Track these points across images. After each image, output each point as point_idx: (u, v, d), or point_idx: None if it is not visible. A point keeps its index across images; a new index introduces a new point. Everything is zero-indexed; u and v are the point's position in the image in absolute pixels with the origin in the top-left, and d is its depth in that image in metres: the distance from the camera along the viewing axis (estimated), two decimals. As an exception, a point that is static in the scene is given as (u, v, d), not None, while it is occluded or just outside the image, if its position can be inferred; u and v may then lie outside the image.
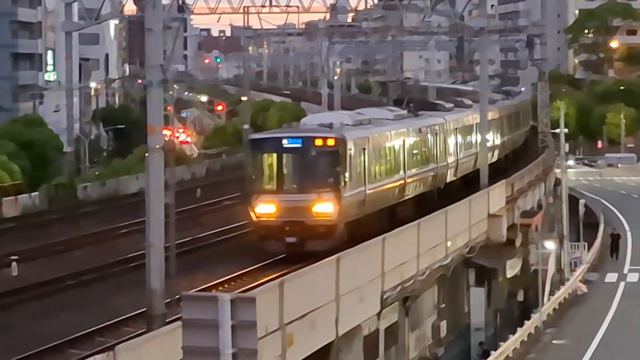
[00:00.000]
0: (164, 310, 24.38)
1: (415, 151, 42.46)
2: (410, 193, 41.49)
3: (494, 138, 62.77)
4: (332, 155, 31.57)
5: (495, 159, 61.45)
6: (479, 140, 56.67)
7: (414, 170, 42.12)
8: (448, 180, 49.79)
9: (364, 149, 34.60)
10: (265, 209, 30.97)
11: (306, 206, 31.07)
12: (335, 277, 31.15)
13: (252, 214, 31.53)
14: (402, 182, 40.03)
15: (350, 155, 32.02)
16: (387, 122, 41.70)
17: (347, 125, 36.11)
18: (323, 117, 40.33)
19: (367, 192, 34.76)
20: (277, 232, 30.88)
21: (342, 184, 31.36)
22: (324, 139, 31.28)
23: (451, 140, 50.21)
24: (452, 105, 60.59)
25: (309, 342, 28.84)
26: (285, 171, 32.05)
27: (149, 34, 25.07)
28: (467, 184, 52.97)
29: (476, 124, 57.01)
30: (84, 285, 34.27)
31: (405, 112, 48.85)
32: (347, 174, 31.68)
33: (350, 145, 32.03)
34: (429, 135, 45.72)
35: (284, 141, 31.58)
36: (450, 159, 49.87)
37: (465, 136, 54.35)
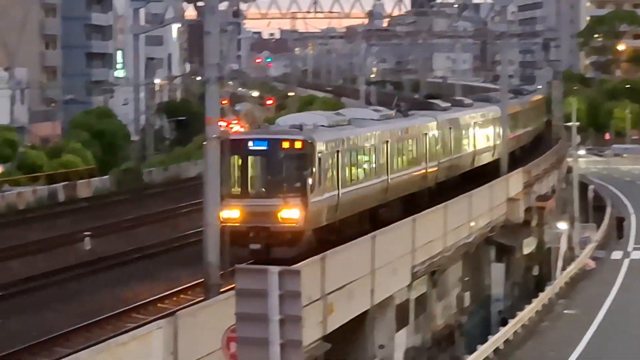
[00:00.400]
0: (219, 281, 24.32)
1: (400, 152, 38.29)
2: (395, 194, 37.38)
3: (493, 137, 58.06)
4: (299, 158, 27.42)
5: (495, 157, 57.15)
6: (477, 139, 53.13)
7: (399, 172, 37.84)
8: (440, 180, 45.11)
9: (338, 151, 30.33)
10: (229, 213, 26.43)
11: (271, 211, 26.91)
12: (371, 252, 31.17)
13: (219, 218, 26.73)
14: (384, 184, 35.84)
15: (319, 158, 27.86)
16: (369, 123, 36.84)
17: (322, 126, 31.70)
18: (297, 118, 34.73)
19: (341, 196, 30.42)
20: (242, 238, 26.61)
21: (310, 188, 27.20)
22: (291, 141, 27.22)
23: (443, 140, 45.44)
24: (448, 104, 55.58)
25: (347, 310, 29.20)
26: (250, 174, 27.76)
27: (208, 37, 25.67)
28: (465, 182, 48.49)
29: (474, 122, 52.99)
30: (149, 258, 34.50)
31: (392, 112, 43.64)
32: (316, 178, 27.55)
33: (320, 147, 27.90)
34: (418, 136, 41.18)
35: (250, 143, 27.57)
36: (442, 159, 45.07)
37: (461, 135, 49.52)
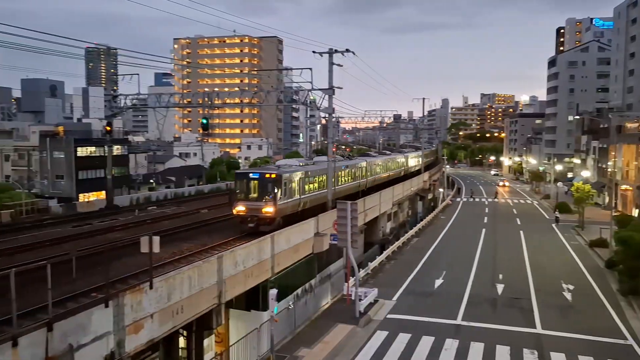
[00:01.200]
0: (332, 206, 28.45)
1: (342, 176, 35.04)
2: (339, 195, 33.49)
3: (399, 167, 53.56)
4: (273, 182, 25.29)
5: (402, 174, 54.42)
6: (390, 169, 49.38)
7: (342, 185, 34.66)
8: (368, 187, 41.62)
9: (301, 178, 27.74)
10: (240, 208, 25.29)
11: (259, 208, 25.01)
12: (379, 197, 39.75)
13: (234, 210, 25.65)
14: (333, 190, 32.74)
15: (285, 182, 25.93)
16: (326, 164, 32.23)
17: (295, 166, 29.71)
18: (285, 162, 32.95)
19: (303, 198, 27.91)
20: (245, 220, 25.19)
21: (278, 197, 25.17)
22: (270, 174, 25.56)
23: (369, 170, 41.90)
24: (377, 154, 53.49)
25: (371, 215, 37.54)
26: (250, 189, 25.60)
27: (329, 128, 31.33)
28: (380, 187, 43.59)
29: (388, 162, 49.19)
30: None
31: (343, 158, 41.45)
32: (281, 192, 25.47)
33: (285, 177, 25.97)
34: (355, 168, 38.44)
35: (250, 174, 25.96)
36: (369, 178, 41.86)
37: (379, 167, 45.57)
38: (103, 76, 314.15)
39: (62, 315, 11.91)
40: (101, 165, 56.68)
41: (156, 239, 14.68)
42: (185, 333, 17.93)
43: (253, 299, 20.72)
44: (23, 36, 18.73)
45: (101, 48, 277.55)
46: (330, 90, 28.69)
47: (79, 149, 59.29)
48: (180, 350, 17.90)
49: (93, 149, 60.78)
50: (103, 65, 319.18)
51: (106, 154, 39.41)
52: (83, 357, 12.07)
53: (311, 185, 29.33)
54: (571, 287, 29.55)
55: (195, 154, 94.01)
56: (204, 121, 35.19)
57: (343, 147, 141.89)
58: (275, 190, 25.35)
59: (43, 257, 18.44)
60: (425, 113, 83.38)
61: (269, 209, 25.12)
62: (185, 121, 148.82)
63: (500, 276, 31.95)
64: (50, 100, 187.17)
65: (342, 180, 34.82)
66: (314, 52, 29.15)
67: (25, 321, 12.00)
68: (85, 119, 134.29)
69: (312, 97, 31.27)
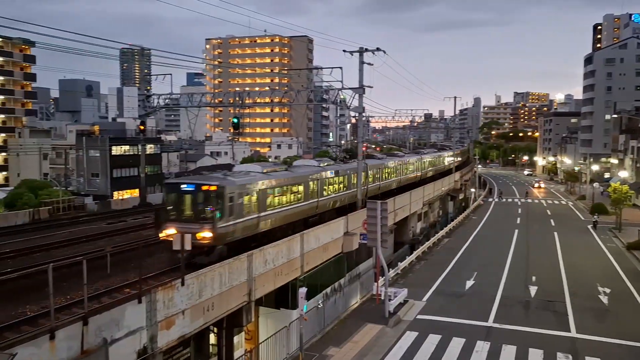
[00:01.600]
0: (362, 205, 28.79)
1: (329, 183, 27.97)
2: (325, 208, 27.37)
3: (415, 171, 46.77)
4: (213, 197, 19.07)
5: (418, 179, 47.65)
6: (400, 173, 41.73)
7: (327, 195, 27.48)
8: (370, 195, 33.91)
9: (260, 189, 21.14)
10: (170, 231, 18.88)
11: (194, 232, 18.29)
12: (409, 197, 40.07)
13: (161, 234, 19.31)
14: (315, 203, 25.98)
15: (231, 197, 19.47)
16: (306, 170, 26.61)
17: (255, 173, 22.34)
18: (246, 167, 24.27)
19: (262, 217, 21.15)
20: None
21: (221, 217, 18.94)
22: (209, 185, 19.42)
23: (371, 175, 34.92)
24: (384, 156, 44.77)
25: (401, 215, 38.04)
26: (183, 206, 19.45)
27: (359, 128, 31.75)
28: (390, 194, 37.72)
29: (399, 165, 41.73)
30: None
31: (333, 162, 31.94)
32: (226, 210, 19.18)
33: (230, 190, 19.47)
34: (349, 174, 30.53)
35: (183, 186, 19.69)
36: (371, 187, 34.72)
37: (387, 171, 38.77)
38: (137, 76, 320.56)
39: (97, 310, 12.15)
40: (135, 164, 58.09)
41: (188, 237, 14.91)
42: (215, 330, 18.00)
43: (282, 297, 20.57)
44: (61, 37, 19.49)
45: (135, 49, 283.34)
46: (360, 89, 28.54)
47: (113, 147, 60.74)
48: (210, 346, 17.91)
49: (127, 147, 62.17)
50: (137, 65, 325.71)
51: (140, 153, 40.25)
52: (117, 351, 12.29)
53: (281, 198, 22.97)
54: (607, 290, 28.98)
55: (226, 153, 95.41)
56: (235, 120, 35.60)
57: (373, 146, 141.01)
58: (217, 208, 19.01)
59: (79, 253, 18.78)
60: (457, 112, 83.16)
61: (206, 234, 18.73)
62: (217, 120, 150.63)
63: (534, 278, 31.48)
64: (87, 100, 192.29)
65: (327, 191, 27.71)
66: (344, 51, 29.37)
67: (61, 315, 12.25)
68: (120, 118, 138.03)
69: (342, 96, 31.46)
